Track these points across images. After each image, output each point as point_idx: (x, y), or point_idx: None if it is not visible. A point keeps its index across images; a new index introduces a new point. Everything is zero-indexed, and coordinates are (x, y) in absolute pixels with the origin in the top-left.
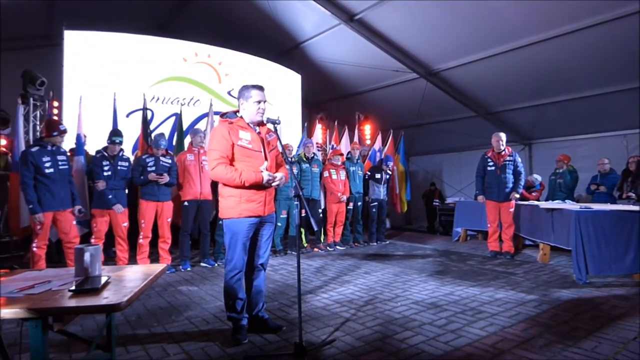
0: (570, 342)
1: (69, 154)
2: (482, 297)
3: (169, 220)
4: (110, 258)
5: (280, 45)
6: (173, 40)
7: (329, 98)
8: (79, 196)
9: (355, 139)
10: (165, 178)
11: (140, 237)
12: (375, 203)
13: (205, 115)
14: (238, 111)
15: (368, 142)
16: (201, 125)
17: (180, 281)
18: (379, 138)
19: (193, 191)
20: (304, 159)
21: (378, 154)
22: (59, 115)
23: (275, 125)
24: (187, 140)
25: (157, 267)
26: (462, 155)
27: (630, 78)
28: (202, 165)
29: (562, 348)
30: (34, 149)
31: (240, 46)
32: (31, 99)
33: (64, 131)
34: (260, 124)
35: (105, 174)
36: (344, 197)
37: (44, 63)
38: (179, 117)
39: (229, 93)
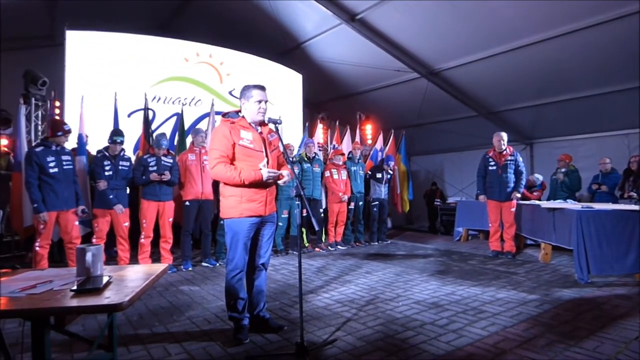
0: (572, 341)
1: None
2: (483, 296)
3: (171, 220)
4: (111, 258)
5: (281, 45)
6: (174, 40)
7: (330, 98)
8: (82, 196)
9: (357, 138)
10: (167, 175)
11: (142, 236)
12: (377, 203)
13: (207, 115)
14: (240, 111)
15: (369, 142)
16: (202, 125)
17: (182, 281)
18: (380, 138)
19: (194, 191)
20: (305, 159)
21: (380, 153)
22: (61, 115)
23: (277, 125)
24: (189, 140)
25: (159, 267)
26: (463, 154)
27: (631, 78)
28: (204, 165)
29: (563, 348)
30: (39, 149)
31: (241, 46)
32: (33, 99)
33: (68, 131)
34: (262, 123)
35: (106, 173)
36: (345, 197)
37: (46, 63)
38: (180, 117)
39: (230, 93)
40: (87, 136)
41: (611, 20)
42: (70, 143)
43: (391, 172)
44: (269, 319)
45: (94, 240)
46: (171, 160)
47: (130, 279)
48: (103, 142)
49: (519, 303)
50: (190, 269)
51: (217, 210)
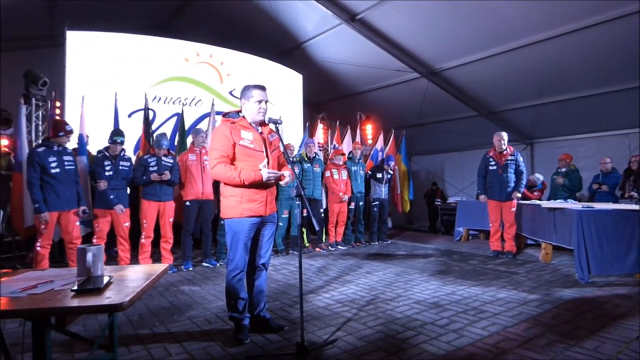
0: (573, 341)
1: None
2: (484, 296)
3: (171, 220)
4: (112, 258)
5: (281, 45)
6: (175, 41)
7: (330, 98)
8: (84, 196)
9: (357, 138)
10: (167, 175)
11: (142, 237)
12: (377, 203)
13: (207, 115)
14: (240, 111)
15: (370, 141)
16: (203, 125)
17: (182, 281)
18: (381, 137)
19: (195, 191)
20: (306, 159)
21: (380, 153)
22: (61, 115)
23: (277, 125)
24: (189, 140)
25: (159, 267)
26: (463, 154)
27: (632, 77)
28: (204, 165)
29: (564, 348)
30: (40, 149)
31: (241, 46)
32: (33, 99)
33: (70, 131)
34: (262, 123)
35: (106, 174)
36: (346, 197)
37: (46, 63)
38: (180, 117)
39: (230, 93)
40: (87, 136)
41: (611, 20)
42: (71, 143)
43: (391, 172)
44: (270, 319)
45: (94, 240)
46: (172, 161)
47: (131, 279)
48: (103, 142)
49: (519, 303)
50: (190, 269)
51: (218, 210)
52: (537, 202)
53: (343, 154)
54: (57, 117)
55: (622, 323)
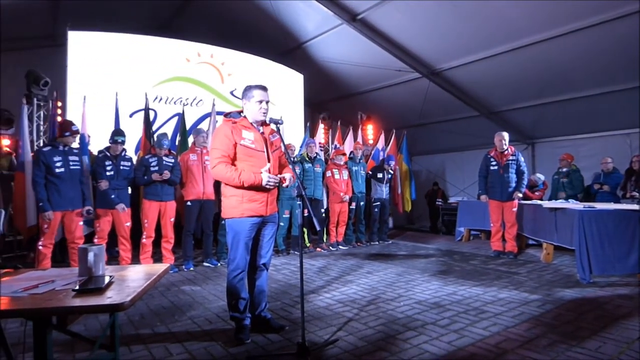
0: (574, 342)
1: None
2: (485, 296)
3: (172, 220)
4: (113, 258)
5: (282, 45)
6: (176, 41)
7: (331, 98)
8: (89, 196)
9: (359, 139)
10: (167, 174)
11: (144, 236)
12: (378, 203)
13: (208, 115)
14: (242, 111)
15: (371, 141)
16: (204, 125)
17: (183, 281)
18: (382, 137)
19: (196, 191)
20: (307, 159)
21: (381, 153)
22: (63, 115)
23: (278, 125)
24: (190, 140)
25: (160, 267)
26: (464, 154)
27: (633, 77)
28: (205, 165)
29: (565, 348)
30: (46, 149)
31: (242, 46)
32: (35, 99)
33: (76, 132)
34: (264, 124)
35: (107, 173)
36: (347, 197)
37: (48, 63)
38: (181, 117)
39: (231, 93)
40: (89, 136)
41: (613, 19)
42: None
43: (392, 172)
44: (271, 319)
45: (95, 240)
46: (173, 160)
47: (132, 279)
48: (105, 142)
49: (520, 303)
50: (191, 269)
51: (219, 209)
52: (539, 202)
53: (344, 154)
54: (60, 117)
55: (623, 323)
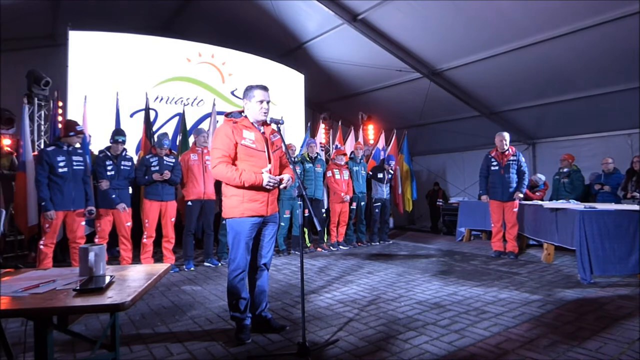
0: (575, 342)
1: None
2: (485, 297)
3: (173, 219)
4: (114, 257)
5: (283, 46)
6: (177, 41)
7: (332, 98)
8: (92, 196)
9: (360, 139)
10: (167, 174)
11: (144, 236)
12: (379, 203)
13: (209, 115)
14: (243, 111)
15: (372, 142)
16: (204, 125)
17: (184, 281)
18: (382, 137)
19: (197, 191)
20: (308, 159)
21: (382, 152)
22: (64, 115)
23: (279, 125)
24: (191, 140)
25: (161, 267)
26: (465, 155)
27: (635, 77)
28: (206, 165)
29: (566, 348)
30: (50, 149)
31: (243, 46)
32: (36, 99)
33: (81, 132)
34: (264, 124)
35: (108, 173)
36: (347, 197)
37: (49, 63)
38: (182, 117)
39: (232, 93)
40: (90, 136)
41: (614, 19)
42: None
43: (392, 172)
44: (271, 319)
45: (96, 240)
46: (173, 160)
47: (133, 278)
48: (105, 142)
49: (521, 303)
50: (192, 268)
51: (219, 209)
52: (539, 202)
53: (345, 154)
54: (60, 117)
55: (624, 324)
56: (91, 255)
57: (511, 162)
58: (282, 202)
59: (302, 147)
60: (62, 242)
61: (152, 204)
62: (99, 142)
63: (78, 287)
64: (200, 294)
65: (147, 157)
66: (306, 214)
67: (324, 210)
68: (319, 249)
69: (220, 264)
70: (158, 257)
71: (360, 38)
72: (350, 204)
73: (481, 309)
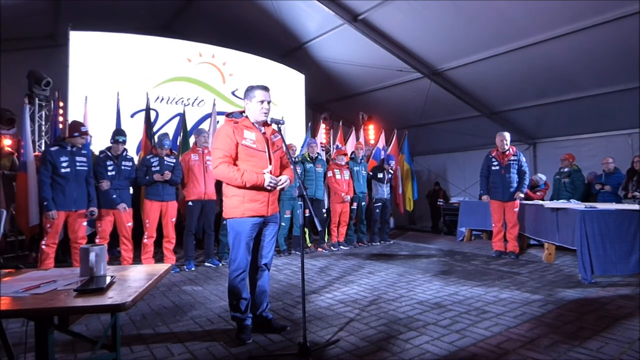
0: (576, 342)
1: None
2: (486, 297)
3: (174, 220)
4: (114, 258)
5: (284, 46)
6: (177, 41)
7: (332, 98)
8: (95, 197)
9: (361, 139)
10: (168, 174)
11: (145, 236)
12: (380, 204)
13: (210, 115)
14: (244, 111)
15: (372, 142)
16: (205, 126)
17: (185, 281)
18: (382, 136)
19: (197, 191)
20: (308, 159)
21: (382, 152)
22: (65, 115)
23: (279, 125)
24: (192, 140)
25: (162, 267)
26: (466, 154)
27: (635, 77)
28: (207, 165)
29: (567, 348)
30: (53, 149)
31: (244, 46)
32: (37, 99)
33: (85, 133)
34: (265, 124)
35: (109, 174)
36: (348, 197)
37: (50, 63)
38: (182, 117)
39: (233, 93)
40: (90, 137)
41: (615, 19)
42: None
43: (392, 172)
44: (272, 319)
45: (97, 240)
46: (174, 161)
47: (134, 279)
48: (106, 143)
49: (522, 303)
50: (193, 269)
51: (220, 209)
52: (540, 202)
53: (345, 154)
54: (61, 117)
55: (625, 324)
56: (92, 256)
57: (512, 162)
58: (282, 202)
59: (302, 147)
60: (63, 242)
61: (152, 204)
62: (99, 142)
63: (79, 288)
64: (201, 294)
65: (147, 157)
66: (307, 214)
67: (324, 211)
68: (319, 249)
69: (221, 264)
70: (159, 257)
71: (360, 38)
72: (351, 204)
73: (482, 308)
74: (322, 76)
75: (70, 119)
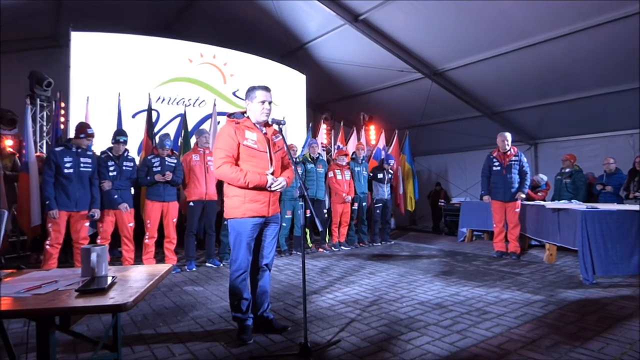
0: (577, 342)
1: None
2: (488, 297)
3: (175, 220)
4: (116, 258)
5: (285, 46)
6: (178, 41)
7: (333, 98)
8: (98, 199)
9: (362, 139)
10: (169, 175)
11: (146, 237)
12: (380, 204)
13: (211, 116)
14: (245, 112)
15: (373, 142)
16: (206, 126)
17: (186, 281)
18: (382, 136)
19: (198, 191)
20: (309, 159)
21: (383, 152)
22: (66, 116)
23: (281, 125)
24: (193, 140)
25: (163, 267)
26: (467, 155)
27: (636, 77)
28: (208, 166)
29: (568, 349)
30: (58, 149)
31: (245, 47)
32: (38, 100)
33: (91, 134)
34: (266, 124)
35: (110, 174)
36: (349, 198)
37: (51, 64)
38: (183, 117)
39: (234, 94)
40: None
41: (617, 19)
42: None
43: (392, 172)
44: (273, 320)
45: (98, 240)
46: (175, 161)
47: (135, 279)
48: (107, 143)
49: (523, 304)
50: (194, 269)
51: (221, 209)
52: (541, 202)
53: (346, 155)
54: (63, 118)
55: (626, 324)
56: (93, 256)
57: (513, 162)
58: (283, 202)
59: (303, 147)
60: (64, 242)
61: (153, 204)
62: (101, 143)
63: (80, 288)
64: (202, 295)
65: (148, 157)
66: (308, 215)
67: (325, 211)
68: (320, 250)
69: (222, 265)
70: (160, 257)
71: (361, 38)
72: (352, 205)
73: (483, 309)
74: (323, 76)
75: (71, 120)
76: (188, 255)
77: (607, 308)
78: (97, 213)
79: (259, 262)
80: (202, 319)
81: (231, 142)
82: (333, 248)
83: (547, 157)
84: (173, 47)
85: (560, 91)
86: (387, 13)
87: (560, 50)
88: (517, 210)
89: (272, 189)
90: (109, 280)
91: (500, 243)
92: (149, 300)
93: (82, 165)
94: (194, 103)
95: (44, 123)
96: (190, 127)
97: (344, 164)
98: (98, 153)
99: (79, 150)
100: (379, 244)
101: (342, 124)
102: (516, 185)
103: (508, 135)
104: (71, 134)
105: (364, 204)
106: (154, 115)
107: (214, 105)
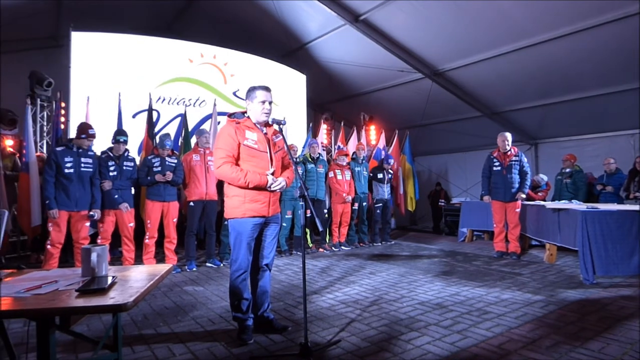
0: (578, 342)
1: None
2: (488, 297)
3: (175, 220)
4: (116, 258)
5: (285, 46)
6: (179, 41)
7: (334, 98)
8: (99, 199)
9: (362, 139)
10: (169, 175)
11: (146, 237)
12: (380, 204)
13: (211, 116)
14: (246, 112)
15: (374, 142)
16: (206, 126)
17: (186, 281)
18: (383, 136)
19: (199, 191)
20: (310, 159)
21: (383, 152)
22: (66, 116)
23: (281, 125)
24: (193, 140)
25: (163, 267)
26: (467, 155)
27: (637, 77)
28: (208, 166)
29: (569, 349)
30: (59, 149)
31: (245, 47)
32: (38, 100)
33: (92, 135)
34: (267, 124)
35: (111, 174)
36: (349, 198)
37: (51, 64)
38: (184, 117)
39: (234, 94)
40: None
41: (618, 19)
42: None
43: (392, 172)
44: (273, 320)
45: (99, 240)
46: (175, 161)
47: (135, 279)
48: (108, 143)
49: (524, 304)
50: (194, 269)
51: (221, 208)
52: (542, 202)
53: (347, 155)
54: (63, 118)
55: (626, 324)
56: (93, 256)
57: (513, 162)
58: (284, 202)
59: (304, 147)
60: (65, 242)
61: (153, 204)
62: (101, 143)
63: (80, 288)
64: (202, 295)
65: (149, 157)
66: (308, 215)
67: (325, 211)
68: (320, 250)
69: (222, 265)
70: (160, 257)
71: (362, 39)
72: (352, 205)
73: (483, 309)
74: (324, 76)
75: (72, 120)
76: (188, 255)
77: (607, 308)
78: (97, 213)
79: (259, 262)
80: (202, 319)
81: (231, 142)
82: (333, 248)
83: (547, 157)
84: (173, 47)
85: (561, 91)
86: (387, 13)
87: (561, 50)
88: (518, 210)
89: (272, 189)
90: (109, 280)
91: (500, 243)
92: (149, 300)
93: (82, 165)
94: (195, 103)
95: (44, 123)
96: (190, 127)
97: (344, 164)
98: (98, 153)
99: (80, 150)
100: (379, 244)
101: (342, 124)
102: (516, 185)
103: (508, 135)
104: (71, 134)
105: (364, 204)
106: (155, 115)
107: (215, 105)
